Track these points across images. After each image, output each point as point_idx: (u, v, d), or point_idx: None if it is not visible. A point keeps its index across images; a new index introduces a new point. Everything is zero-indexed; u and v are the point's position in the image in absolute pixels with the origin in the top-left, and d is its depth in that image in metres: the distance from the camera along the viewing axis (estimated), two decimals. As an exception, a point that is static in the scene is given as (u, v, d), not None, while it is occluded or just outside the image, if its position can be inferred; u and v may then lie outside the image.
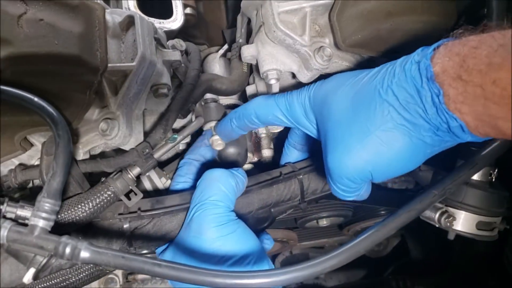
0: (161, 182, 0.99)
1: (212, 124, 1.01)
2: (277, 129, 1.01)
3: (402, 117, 0.64)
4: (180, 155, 1.08)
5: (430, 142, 0.65)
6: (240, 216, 0.90)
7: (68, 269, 0.81)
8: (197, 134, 1.09)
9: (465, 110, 0.57)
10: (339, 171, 0.73)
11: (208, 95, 1.04)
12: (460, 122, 0.59)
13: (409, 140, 0.65)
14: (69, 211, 0.78)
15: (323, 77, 0.85)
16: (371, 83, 0.69)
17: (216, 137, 1.00)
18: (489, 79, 0.52)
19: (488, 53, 0.53)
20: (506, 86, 0.51)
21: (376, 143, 0.67)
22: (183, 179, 1.00)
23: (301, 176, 0.99)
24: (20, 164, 0.87)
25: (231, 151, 1.05)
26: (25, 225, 0.68)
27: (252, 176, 0.98)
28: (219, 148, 1.01)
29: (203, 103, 1.05)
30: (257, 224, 0.98)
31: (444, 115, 0.60)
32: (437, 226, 0.91)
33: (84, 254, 0.63)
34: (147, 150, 0.86)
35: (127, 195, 0.84)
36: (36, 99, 0.69)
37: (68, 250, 0.63)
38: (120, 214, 0.85)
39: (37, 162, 0.88)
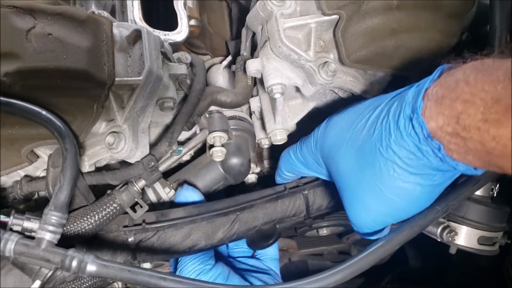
0: (165, 192, 0.99)
1: (216, 134, 1.01)
2: (281, 141, 1.02)
3: (408, 172, 0.65)
4: (184, 165, 1.08)
5: (442, 181, 0.66)
6: (245, 231, 0.92)
7: (71, 281, 0.81)
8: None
9: (470, 159, 0.57)
10: (361, 225, 0.77)
11: (213, 108, 1.04)
12: (468, 167, 0.59)
13: (421, 188, 0.66)
14: (75, 223, 0.78)
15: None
16: (370, 139, 0.70)
17: (217, 148, 1.00)
18: (488, 136, 0.51)
19: (483, 109, 0.51)
20: (507, 142, 0.49)
21: (390, 199, 0.69)
22: None
23: (306, 192, 0.99)
24: (26, 176, 0.87)
25: (234, 161, 1.05)
26: (32, 237, 0.68)
27: (256, 191, 0.99)
28: (218, 159, 1.02)
29: (207, 115, 1.05)
30: (263, 241, 0.99)
31: (449, 163, 0.60)
32: (439, 240, 0.92)
33: (91, 268, 0.64)
34: (152, 163, 0.87)
35: (133, 208, 0.85)
36: (43, 112, 0.70)
37: (74, 263, 0.63)
38: (125, 226, 0.85)
39: (42, 174, 0.88)
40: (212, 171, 1.05)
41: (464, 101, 0.54)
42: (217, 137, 1.01)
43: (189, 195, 0.99)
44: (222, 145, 1.01)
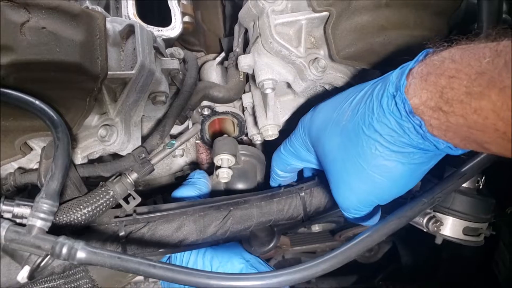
0: None
1: (223, 156, 1.03)
2: (273, 137, 1.03)
3: (389, 149, 0.67)
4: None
5: (423, 161, 0.68)
6: (239, 230, 0.92)
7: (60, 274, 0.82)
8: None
9: (451, 136, 0.59)
10: (346, 205, 0.78)
11: (205, 103, 1.05)
12: (448, 144, 0.61)
13: (402, 167, 0.68)
14: (69, 213, 0.79)
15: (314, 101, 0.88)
16: (353, 118, 0.72)
17: (223, 169, 1.02)
18: (470, 109, 0.52)
19: (466, 82, 0.53)
20: (488, 115, 0.51)
21: (373, 177, 0.71)
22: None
23: (302, 194, 0.98)
24: (19, 168, 0.89)
25: (239, 187, 1.08)
26: (23, 224, 0.70)
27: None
28: (224, 180, 1.04)
29: (200, 110, 1.07)
30: (261, 246, 0.97)
31: (430, 140, 0.61)
32: (425, 230, 0.93)
33: (81, 255, 0.65)
34: (143, 155, 0.88)
35: (126, 199, 0.86)
36: (37, 102, 0.72)
37: (64, 250, 0.64)
38: (116, 217, 0.86)
39: (36, 166, 0.89)
40: (215, 193, 1.07)
41: (449, 76, 0.55)
42: (225, 160, 1.03)
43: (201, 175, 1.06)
44: (229, 167, 1.04)
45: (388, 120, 0.65)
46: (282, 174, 1.03)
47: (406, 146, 0.65)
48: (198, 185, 1.06)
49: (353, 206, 0.77)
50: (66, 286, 0.83)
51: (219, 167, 1.04)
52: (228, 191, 1.10)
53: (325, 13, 0.88)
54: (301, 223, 1.00)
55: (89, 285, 0.83)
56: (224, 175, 1.03)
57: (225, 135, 1.10)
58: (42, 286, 0.81)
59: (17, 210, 0.71)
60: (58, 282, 0.82)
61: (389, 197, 0.75)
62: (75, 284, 0.83)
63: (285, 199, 0.97)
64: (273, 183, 1.08)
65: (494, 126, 0.51)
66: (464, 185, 0.92)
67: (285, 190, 0.99)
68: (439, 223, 0.90)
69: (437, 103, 0.57)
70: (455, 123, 0.55)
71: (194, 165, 1.22)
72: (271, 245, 0.97)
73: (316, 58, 0.90)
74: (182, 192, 1.04)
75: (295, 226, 1.01)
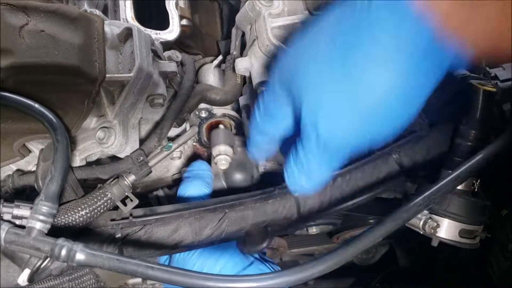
0: None
1: (220, 147, 1.03)
2: None
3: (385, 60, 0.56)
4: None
5: (420, 76, 0.57)
6: (235, 231, 0.92)
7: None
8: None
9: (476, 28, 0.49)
10: (332, 141, 0.65)
11: (203, 105, 1.06)
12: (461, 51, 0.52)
13: (396, 80, 0.57)
14: (67, 215, 0.79)
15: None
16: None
17: (221, 156, 1.02)
18: None
19: None
20: None
21: (363, 98, 0.60)
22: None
23: (296, 195, 0.95)
24: (18, 170, 0.89)
25: (238, 177, 1.07)
26: (22, 226, 0.70)
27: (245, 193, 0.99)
28: (223, 167, 1.03)
29: (197, 113, 1.07)
30: (254, 245, 0.95)
31: (443, 42, 0.52)
32: (421, 233, 0.93)
33: (80, 256, 0.65)
34: (141, 157, 0.88)
35: (123, 202, 0.86)
36: (36, 105, 0.72)
37: (64, 252, 0.65)
38: (112, 220, 0.86)
39: (34, 168, 0.89)
40: (215, 184, 1.07)
41: None
42: (222, 149, 1.03)
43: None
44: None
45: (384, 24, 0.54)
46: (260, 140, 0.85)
47: (408, 54, 0.54)
48: (206, 178, 1.02)
49: (339, 142, 0.65)
50: (70, 282, 0.83)
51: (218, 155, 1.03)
52: (228, 184, 1.08)
53: (322, 16, 0.89)
54: (296, 224, 0.98)
55: (93, 280, 0.84)
56: (222, 162, 1.02)
57: (221, 125, 1.09)
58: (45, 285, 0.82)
59: (17, 211, 0.72)
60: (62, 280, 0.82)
61: (381, 131, 0.63)
62: (80, 280, 0.83)
63: (280, 201, 0.95)
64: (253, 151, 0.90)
65: None
66: (459, 187, 0.93)
67: (280, 191, 0.97)
68: (435, 225, 0.91)
69: None
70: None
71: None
72: (264, 244, 0.95)
73: (312, 60, 0.90)
74: (192, 190, 0.98)
75: (291, 226, 1.00)
